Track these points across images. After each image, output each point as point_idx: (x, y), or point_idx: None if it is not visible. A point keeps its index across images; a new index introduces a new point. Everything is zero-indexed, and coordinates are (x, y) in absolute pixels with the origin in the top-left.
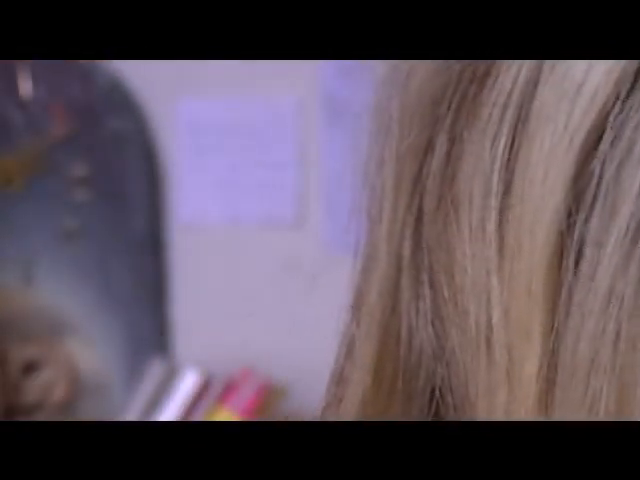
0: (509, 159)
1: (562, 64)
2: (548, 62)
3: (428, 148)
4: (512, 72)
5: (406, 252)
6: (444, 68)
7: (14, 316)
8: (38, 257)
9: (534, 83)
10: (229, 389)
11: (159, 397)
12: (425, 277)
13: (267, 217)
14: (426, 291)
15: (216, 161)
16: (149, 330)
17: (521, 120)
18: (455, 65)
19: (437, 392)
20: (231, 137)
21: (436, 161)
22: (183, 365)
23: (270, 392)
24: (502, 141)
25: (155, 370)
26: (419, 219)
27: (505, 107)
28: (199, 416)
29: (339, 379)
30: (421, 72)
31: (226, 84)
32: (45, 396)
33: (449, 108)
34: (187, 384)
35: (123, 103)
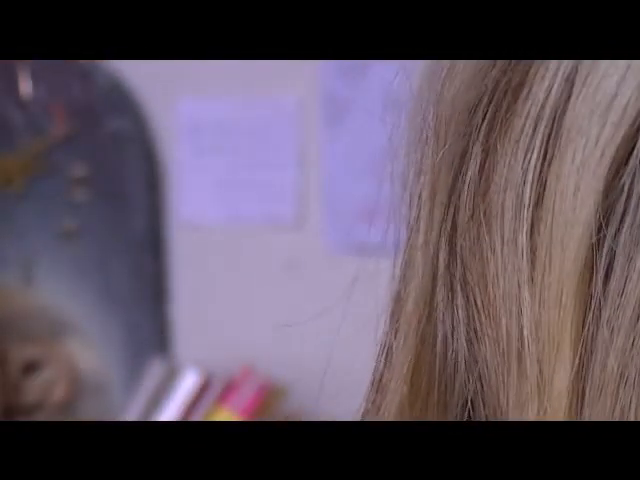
0: (541, 171)
1: (594, 77)
2: (580, 75)
3: (463, 159)
4: (545, 84)
5: (441, 262)
6: (479, 78)
7: (14, 316)
8: (38, 257)
9: (567, 96)
10: (229, 389)
11: (159, 397)
12: (459, 287)
13: (267, 217)
14: (460, 301)
15: (216, 161)
16: (149, 330)
17: (553, 132)
18: (490, 75)
19: (469, 404)
20: (231, 137)
21: (471, 172)
22: (183, 365)
23: (270, 392)
24: (534, 153)
25: (155, 370)
26: (454, 229)
27: (538, 119)
28: (199, 416)
29: (377, 387)
30: (457, 82)
31: (226, 84)
32: (45, 396)
33: (484, 118)
34: (187, 384)
35: (123, 103)
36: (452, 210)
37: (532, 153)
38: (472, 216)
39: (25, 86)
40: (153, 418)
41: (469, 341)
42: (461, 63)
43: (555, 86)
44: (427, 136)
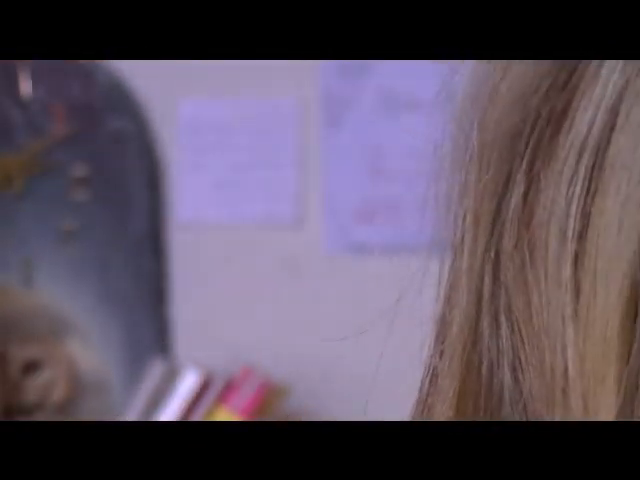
0: (585, 204)
1: (638, 108)
2: (624, 106)
3: (506, 186)
4: (588, 114)
5: (486, 289)
6: (521, 104)
7: (14, 316)
8: (38, 257)
9: (610, 128)
10: (229, 389)
11: (159, 397)
12: (504, 317)
13: (267, 217)
14: (505, 331)
15: (216, 161)
16: (149, 330)
17: (597, 165)
18: (532, 101)
19: None
20: (231, 137)
21: (514, 200)
22: (183, 365)
23: (270, 392)
24: (578, 186)
25: (155, 370)
26: (498, 257)
27: (581, 151)
28: (199, 416)
29: (423, 407)
30: (499, 106)
31: (226, 84)
32: (45, 396)
33: (527, 146)
34: (187, 384)
35: (123, 103)
36: (496, 237)
37: (575, 186)
38: (516, 245)
39: (25, 86)
40: (153, 418)
41: (514, 371)
42: (504, 87)
43: (598, 117)
44: (470, 159)
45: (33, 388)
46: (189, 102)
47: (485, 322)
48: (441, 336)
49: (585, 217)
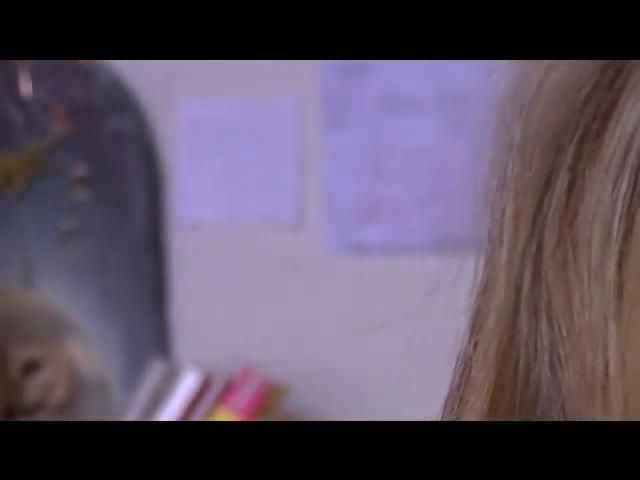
0: (630, 203)
1: None
2: None
3: (549, 182)
4: (634, 116)
5: (525, 285)
6: (566, 100)
7: (14, 316)
8: (38, 257)
9: None
10: (229, 389)
11: (159, 397)
12: (544, 314)
13: (267, 217)
14: (544, 328)
15: (216, 161)
16: (149, 330)
17: None
18: (578, 97)
19: None
20: (231, 137)
21: (557, 197)
22: (183, 365)
23: (270, 392)
24: (623, 185)
25: (155, 370)
26: (539, 253)
27: (627, 150)
28: (199, 416)
29: (456, 398)
30: (542, 101)
31: (226, 84)
32: (45, 396)
33: (571, 142)
34: (187, 384)
35: (123, 103)
36: (537, 233)
37: (621, 184)
38: (558, 243)
39: (25, 86)
40: (153, 418)
41: (552, 368)
42: (549, 83)
43: None
44: (512, 153)
45: (33, 388)
46: (189, 102)
47: (524, 317)
48: (476, 328)
49: (630, 216)
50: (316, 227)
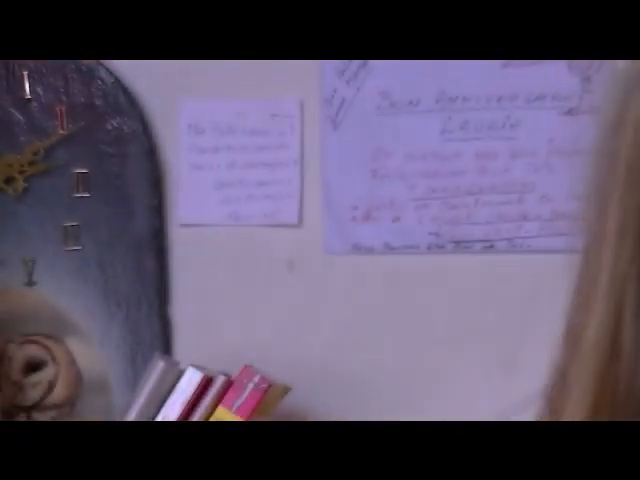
0: None
1: None
2: None
3: None
4: None
5: (629, 306)
6: None
7: (15, 316)
8: (39, 257)
9: None
10: (229, 389)
11: (160, 397)
12: None
13: (267, 217)
14: None
15: (216, 161)
16: (150, 330)
17: None
18: None
19: None
20: (231, 137)
21: None
22: (183, 365)
23: (270, 392)
24: None
25: (156, 370)
26: None
27: None
28: (199, 416)
29: (552, 405)
30: None
31: (227, 84)
32: (45, 396)
33: None
34: (187, 384)
35: (123, 103)
36: None
37: None
38: None
39: (25, 86)
40: (154, 418)
41: None
42: None
43: None
44: (619, 171)
45: (34, 388)
46: (189, 102)
47: (628, 337)
48: (573, 339)
49: None
50: (316, 227)
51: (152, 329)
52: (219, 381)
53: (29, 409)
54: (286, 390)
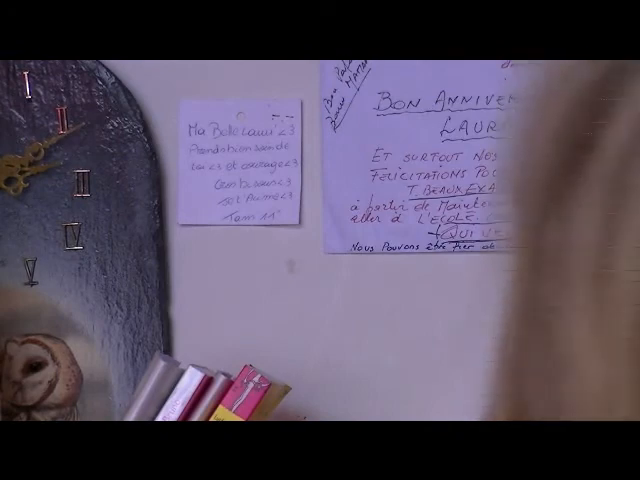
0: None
1: None
2: None
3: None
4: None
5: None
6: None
7: (15, 316)
8: (39, 256)
9: None
10: (229, 389)
11: (160, 397)
12: None
13: (267, 217)
14: None
15: (216, 161)
16: (150, 330)
17: None
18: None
19: None
20: (231, 137)
21: None
22: (183, 365)
23: (270, 392)
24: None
25: (156, 369)
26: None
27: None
28: (199, 416)
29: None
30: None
31: (227, 84)
32: (45, 396)
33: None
34: (188, 384)
35: (124, 103)
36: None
37: None
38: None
39: (25, 86)
40: (153, 418)
41: None
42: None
43: None
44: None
45: (34, 388)
46: (189, 103)
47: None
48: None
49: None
50: (316, 227)
51: (153, 329)
52: (219, 381)
53: (29, 409)
54: (286, 390)
